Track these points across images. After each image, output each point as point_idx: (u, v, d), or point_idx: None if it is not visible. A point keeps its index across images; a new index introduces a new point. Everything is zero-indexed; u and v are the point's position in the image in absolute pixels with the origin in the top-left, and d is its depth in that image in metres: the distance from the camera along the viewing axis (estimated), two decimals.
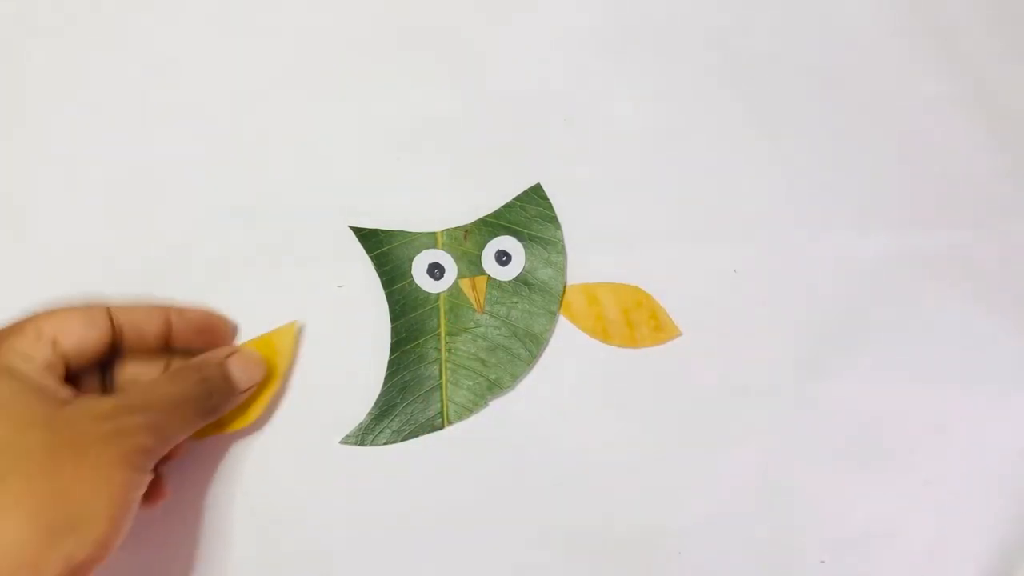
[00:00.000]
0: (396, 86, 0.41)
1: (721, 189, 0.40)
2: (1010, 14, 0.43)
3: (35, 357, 0.30)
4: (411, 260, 0.38)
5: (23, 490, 0.27)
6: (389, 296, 0.38)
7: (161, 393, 0.31)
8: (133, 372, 0.34)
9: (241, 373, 0.34)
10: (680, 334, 0.38)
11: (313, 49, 0.42)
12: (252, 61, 0.41)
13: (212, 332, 0.36)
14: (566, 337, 0.38)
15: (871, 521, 0.37)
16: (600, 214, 0.40)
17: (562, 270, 0.39)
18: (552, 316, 0.38)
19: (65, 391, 0.30)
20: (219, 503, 0.36)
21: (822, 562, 0.37)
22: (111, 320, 0.33)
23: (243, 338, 0.37)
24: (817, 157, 0.41)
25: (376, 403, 0.37)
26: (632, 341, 0.38)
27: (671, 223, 0.40)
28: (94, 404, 0.29)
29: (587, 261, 0.39)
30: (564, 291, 0.38)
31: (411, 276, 0.38)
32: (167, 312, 0.35)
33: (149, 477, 0.30)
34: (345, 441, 0.37)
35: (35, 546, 0.26)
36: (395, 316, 0.38)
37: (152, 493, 0.32)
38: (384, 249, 0.38)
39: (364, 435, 0.37)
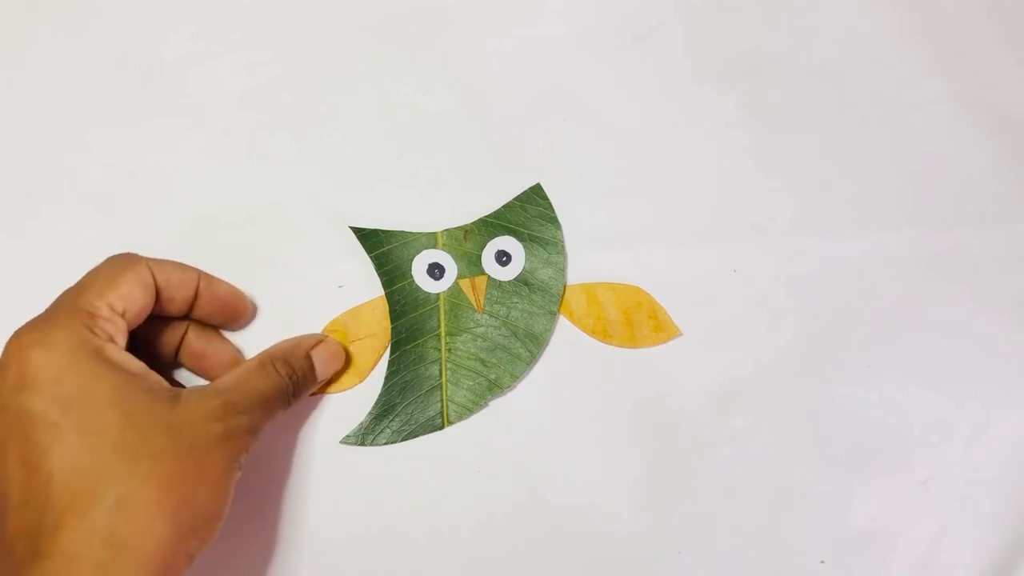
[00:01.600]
0: (396, 86, 0.41)
1: (721, 189, 0.40)
2: (1010, 14, 0.43)
3: (117, 337, 0.30)
4: (411, 260, 0.38)
5: (161, 496, 0.27)
6: (389, 296, 0.38)
7: (256, 388, 0.31)
8: (155, 339, 0.34)
9: (323, 364, 0.35)
10: (680, 334, 0.38)
11: (313, 49, 0.42)
12: (252, 61, 0.41)
13: (234, 309, 0.36)
14: (566, 337, 0.38)
15: (871, 521, 0.37)
16: (600, 214, 0.40)
17: (562, 270, 0.39)
18: (552, 316, 0.38)
19: (155, 378, 0.30)
20: None
21: (822, 562, 0.37)
22: (155, 283, 0.32)
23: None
24: (817, 157, 0.41)
25: (376, 403, 0.37)
26: (632, 341, 0.38)
27: (671, 223, 0.40)
28: (203, 404, 0.29)
29: (587, 261, 0.39)
30: (564, 291, 0.38)
31: (411, 276, 0.38)
32: (198, 279, 0.34)
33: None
34: (345, 441, 0.37)
35: (170, 548, 0.27)
36: (395, 316, 0.38)
37: None
38: (384, 249, 0.38)
39: (364, 435, 0.37)
